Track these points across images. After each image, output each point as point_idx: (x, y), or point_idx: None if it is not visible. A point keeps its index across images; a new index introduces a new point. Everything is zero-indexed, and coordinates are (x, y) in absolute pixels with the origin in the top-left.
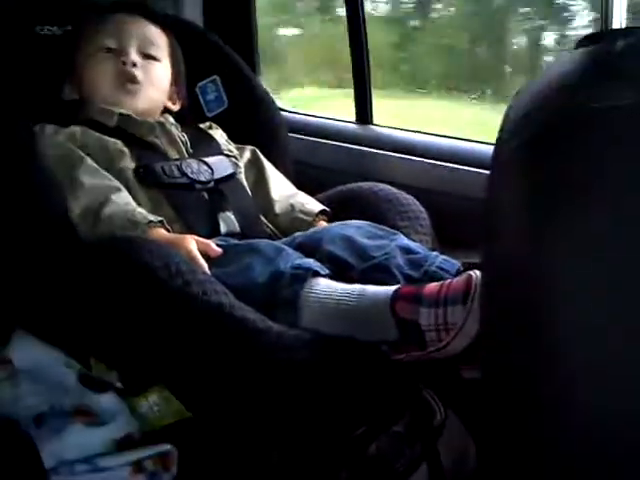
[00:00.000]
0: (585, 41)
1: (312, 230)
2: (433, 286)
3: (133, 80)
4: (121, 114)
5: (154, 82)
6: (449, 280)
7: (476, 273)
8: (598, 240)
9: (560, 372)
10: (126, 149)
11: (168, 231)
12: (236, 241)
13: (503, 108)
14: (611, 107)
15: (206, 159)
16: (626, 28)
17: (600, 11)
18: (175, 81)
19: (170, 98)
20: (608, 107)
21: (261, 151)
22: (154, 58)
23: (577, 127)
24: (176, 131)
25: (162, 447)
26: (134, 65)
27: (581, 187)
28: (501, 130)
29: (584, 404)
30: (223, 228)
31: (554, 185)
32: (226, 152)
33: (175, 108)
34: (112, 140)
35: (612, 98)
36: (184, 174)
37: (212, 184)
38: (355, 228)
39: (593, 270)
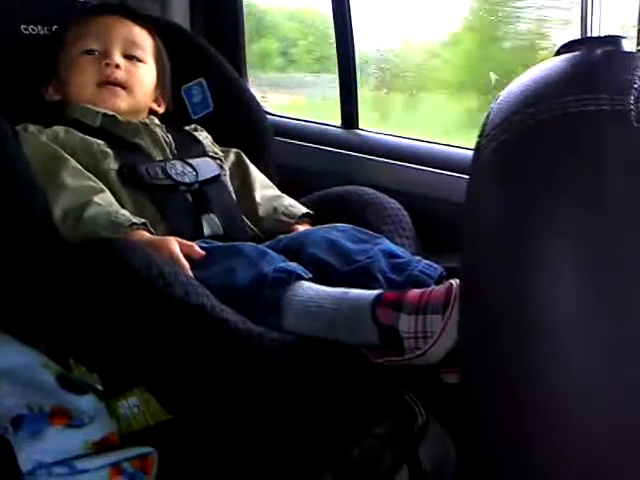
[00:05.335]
0: (565, 48)
1: (296, 233)
2: (414, 293)
3: (116, 82)
4: (105, 115)
5: (138, 84)
6: (431, 288)
7: (457, 282)
8: (581, 237)
9: (541, 381)
10: (109, 150)
11: (151, 233)
12: (219, 243)
13: None
14: (588, 112)
15: (190, 160)
16: (605, 36)
17: (580, 19)
18: (160, 83)
19: (155, 100)
20: (585, 112)
21: (246, 154)
22: (138, 60)
23: (554, 131)
24: (161, 132)
25: (142, 449)
26: (117, 67)
27: (561, 189)
28: (480, 134)
29: (566, 410)
30: (206, 230)
31: (532, 187)
32: (211, 154)
33: (160, 110)
34: (95, 141)
35: (589, 104)
36: (168, 175)
37: (196, 186)
38: (339, 232)
39: (578, 273)
